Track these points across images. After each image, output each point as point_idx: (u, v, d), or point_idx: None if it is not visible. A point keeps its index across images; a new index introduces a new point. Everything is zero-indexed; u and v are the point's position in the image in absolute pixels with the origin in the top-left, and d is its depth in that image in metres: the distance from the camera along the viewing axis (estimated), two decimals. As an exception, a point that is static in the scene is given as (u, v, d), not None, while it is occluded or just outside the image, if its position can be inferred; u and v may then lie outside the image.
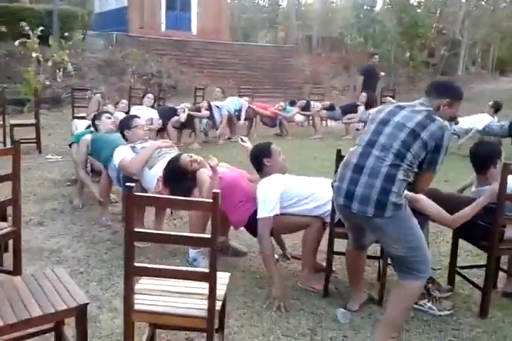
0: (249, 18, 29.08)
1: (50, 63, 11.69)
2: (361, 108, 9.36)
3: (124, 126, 3.86)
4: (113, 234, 4.09)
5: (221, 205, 3.51)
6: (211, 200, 1.91)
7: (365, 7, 19.36)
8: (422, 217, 2.94)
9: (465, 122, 8.18)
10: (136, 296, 2.05)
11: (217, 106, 8.41)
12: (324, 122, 10.26)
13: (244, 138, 3.85)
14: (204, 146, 8.20)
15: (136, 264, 1.96)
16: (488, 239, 2.93)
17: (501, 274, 3.40)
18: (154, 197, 2.12)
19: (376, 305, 3.05)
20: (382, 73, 10.85)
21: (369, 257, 3.29)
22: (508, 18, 21.40)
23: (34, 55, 11.05)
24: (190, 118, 7.80)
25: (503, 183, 2.83)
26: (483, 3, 23.28)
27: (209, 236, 1.90)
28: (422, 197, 2.99)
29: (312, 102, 9.67)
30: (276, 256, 3.67)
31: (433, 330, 2.83)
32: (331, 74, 20.39)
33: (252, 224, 3.25)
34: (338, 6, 25.18)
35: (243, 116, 8.80)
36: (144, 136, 3.86)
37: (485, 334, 2.81)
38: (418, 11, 18.88)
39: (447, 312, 2.99)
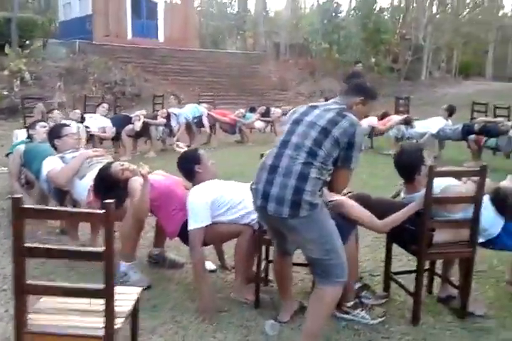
0: (217, 25, 29.07)
1: (6, 72, 11.38)
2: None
3: (54, 135, 3.73)
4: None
5: (155, 215, 3.44)
6: (103, 211, 1.80)
7: (331, 13, 19.53)
8: (351, 222, 2.90)
9: (420, 126, 8.26)
10: (31, 316, 1.93)
11: (175, 114, 8.31)
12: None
13: (180, 144, 3.76)
14: (161, 154, 8.08)
15: (27, 282, 1.85)
16: (417, 243, 2.89)
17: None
18: (44, 209, 2.01)
19: (308, 314, 2.97)
20: None
21: (303, 265, 3.23)
22: (469, 23, 21.87)
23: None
24: (145, 126, 7.67)
25: (430, 187, 2.81)
26: (446, 8, 23.75)
27: (101, 249, 1.80)
28: (349, 202, 2.94)
29: (272, 108, 9.66)
30: (214, 267, 3.59)
31: (362, 339, 2.78)
32: (298, 81, 20.49)
33: (185, 233, 3.15)
34: (305, 13, 25.34)
35: (206, 123, 8.72)
36: (74, 145, 3.73)
37: (417, 342, 2.77)
38: (382, 16, 19.09)
39: (380, 320, 2.93)
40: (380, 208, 2.97)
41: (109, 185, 3.33)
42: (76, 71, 15.41)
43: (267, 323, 2.80)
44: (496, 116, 8.91)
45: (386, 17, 20.15)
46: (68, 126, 3.92)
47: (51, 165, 3.54)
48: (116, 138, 7.39)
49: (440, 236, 2.97)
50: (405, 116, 8.60)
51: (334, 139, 2.31)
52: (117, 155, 7.44)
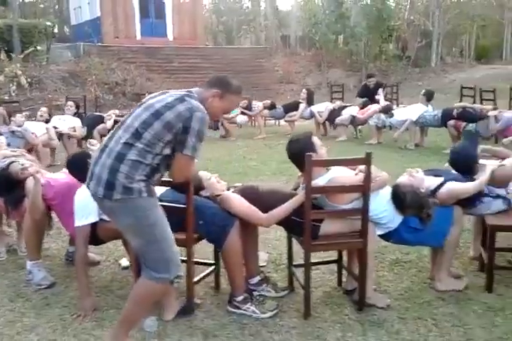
0: (226, 21, 29.02)
1: (1, 77, 11.65)
2: (302, 105, 9.24)
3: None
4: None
5: (56, 214, 3.42)
6: None
7: (335, 3, 19.20)
8: (232, 216, 2.83)
9: (400, 114, 8.03)
10: None
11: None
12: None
13: (93, 141, 3.74)
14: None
15: None
16: (303, 234, 2.80)
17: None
18: None
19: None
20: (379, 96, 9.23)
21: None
22: (480, 5, 21.15)
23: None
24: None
25: (308, 177, 2.70)
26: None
27: None
28: (231, 197, 2.87)
29: (254, 102, 9.54)
30: (127, 263, 3.56)
31: (245, 335, 2.70)
32: (304, 73, 20.27)
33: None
34: (311, 4, 25.02)
35: None
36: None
37: (299, 336, 2.68)
38: (387, 3, 18.62)
39: (270, 314, 2.85)
40: (270, 200, 2.89)
41: (10, 186, 3.34)
42: (79, 73, 15.66)
43: (146, 320, 2.75)
44: (482, 99, 8.59)
45: (392, 3, 19.63)
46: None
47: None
48: (87, 138, 7.43)
49: (329, 227, 2.86)
50: (384, 104, 8.37)
51: (166, 122, 2.21)
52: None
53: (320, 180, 2.83)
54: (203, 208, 2.81)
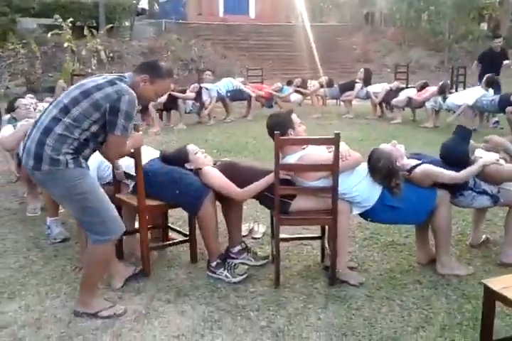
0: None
1: (84, 52, 12.50)
2: (358, 85, 9.08)
3: (9, 108, 4.23)
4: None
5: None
6: None
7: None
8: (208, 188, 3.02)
9: (457, 97, 7.67)
10: None
11: (206, 88, 8.61)
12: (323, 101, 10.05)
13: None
14: (192, 127, 8.51)
15: None
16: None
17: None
18: None
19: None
20: (507, 62, 8.24)
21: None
22: None
23: (66, 45, 11.89)
24: (174, 99, 8.09)
25: (276, 155, 2.81)
26: None
27: None
28: (209, 170, 3.05)
29: (309, 80, 9.50)
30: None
31: (214, 297, 2.90)
32: (384, 52, 19.62)
33: None
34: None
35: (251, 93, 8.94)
36: (26, 115, 4.19)
37: (262, 302, 2.84)
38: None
39: (240, 278, 3.03)
40: (247, 176, 3.04)
41: None
42: (157, 49, 16.32)
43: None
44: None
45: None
46: (21, 97, 4.39)
47: (2, 132, 4.05)
48: (144, 111, 7.89)
49: (301, 203, 2.96)
50: (440, 84, 7.98)
51: (93, 101, 2.38)
52: (148, 127, 7.99)
53: (291, 158, 2.93)
54: (179, 179, 3.01)
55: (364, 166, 3.02)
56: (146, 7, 27.24)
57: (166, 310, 2.75)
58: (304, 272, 3.22)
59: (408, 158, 3.18)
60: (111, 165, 3.16)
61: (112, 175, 3.20)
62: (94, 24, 16.05)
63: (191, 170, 3.12)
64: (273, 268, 3.18)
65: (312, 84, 9.39)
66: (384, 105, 9.15)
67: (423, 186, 3.03)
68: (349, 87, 9.26)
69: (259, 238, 3.74)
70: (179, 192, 3.02)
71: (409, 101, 8.41)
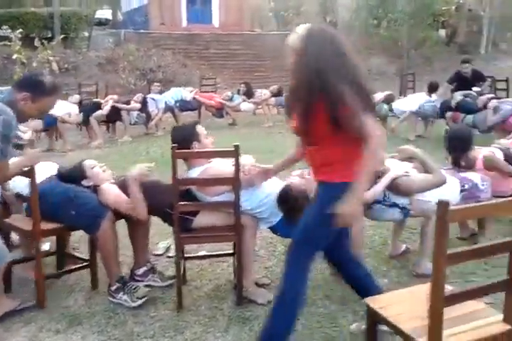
0: (274, 7, 28.74)
1: (34, 64, 12.21)
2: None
3: None
4: None
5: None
6: None
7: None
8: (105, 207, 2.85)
9: (402, 103, 7.69)
10: None
11: (153, 99, 8.45)
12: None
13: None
14: (139, 138, 8.33)
15: None
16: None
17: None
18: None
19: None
20: (476, 89, 7.33)
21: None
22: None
23: (14, 56, 11.60)
24: (117, 111, 7.90)
25: (174, 168, 2.67)
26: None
27: None
28: (108, 188, 2.90)
29: (259, 90, 9.42)
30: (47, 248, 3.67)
31: (109, 324, 2.72)
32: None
33: None
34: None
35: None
36: None
37: (160, 328, 2.67)
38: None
39: (139, 302, 2.86)
40: (152, 191, 2.89)
41: None
42: (114, 60, 16.09)
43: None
44: (496, 89, 8.04)
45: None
46: None
47: None
48: (86, 124, 7.68)
49: (203, 219, 2.83)
50: (386, 93, 8.01)
51: None
52: (90, 140, 7.78)
53: (194, 171, 2.80)
54: (75, 198, 2.84)
55: (272, 180, 2.90)
56: (111, 17, 27.13)
57: (52, 342, 2.57)
58: (213, 292, 3.08)
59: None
60: None
61: None
62: (50, 35, 15.76)
63: (89, 187, 2.95)
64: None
65: (263, 93, 9.29)
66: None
67: None
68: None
69: (173, 257, 3.58)
70: (75, 213, 2.84)
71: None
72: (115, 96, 8.14)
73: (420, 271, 3.14)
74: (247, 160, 2.75)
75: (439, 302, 1.59)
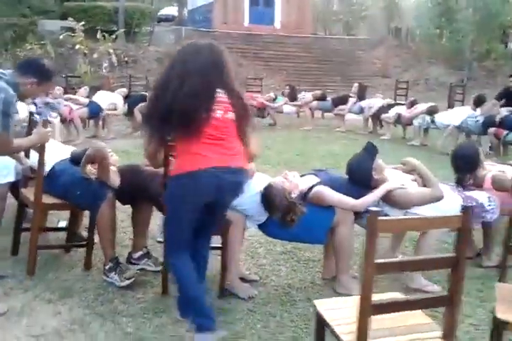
0: (339, 11, 28.55)
1: (95, 55, 12.82)
2: (351, 99, 8.99)
3: None
4: None
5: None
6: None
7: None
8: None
9: (444, 117, 7.50)
10: None
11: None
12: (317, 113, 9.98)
13: None
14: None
15: None
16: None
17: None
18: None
19: None
20: None
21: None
22: None
23: (77, 47, 12.23)
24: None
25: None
26: None
27: None
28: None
29: (303, 92, 9.46)
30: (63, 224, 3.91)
31: (96, 301, 2.88)
32: (403, 67, 19.39)
33: None
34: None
35: None
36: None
37: (141, 309, 2.82)
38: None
39: (127, 282, 3.00)
40: (142, 179, 3.08)
41: None
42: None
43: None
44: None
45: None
46: None
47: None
48: (130, 115, 8.01)
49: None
50: (430, 104, 7.83)
51: None
52: (133, 130, 8.11)
53: None
54: (81, 179, 3.05)
55: (260, 179, 2.99)
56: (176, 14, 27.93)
57: (42, 310, 2.77)
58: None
59: (306, 174, 3.13)
60: (9, 164, 3.19)
61: (11, 174, 3.25)
62: (115, 28, 16.45)
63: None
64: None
65: (306, 96, 9.33)
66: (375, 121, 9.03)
67: (323, 205, 2.97)
68: (342, 100, 9.18)
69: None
70: (79, 193, 3.05)
71: (399, 118, 8.28)
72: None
73: (413, 285, 3.11)
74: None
75: (366, 311, 1.63)
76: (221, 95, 2.33)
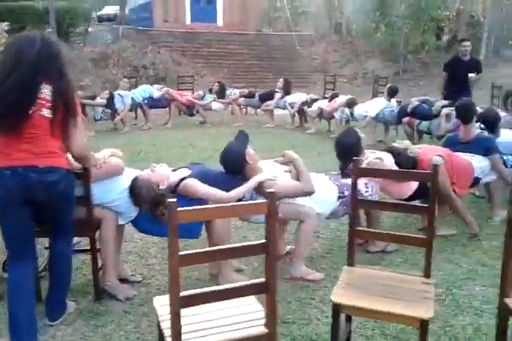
0: (281, 7, 28.64)
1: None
2: (277, 95, 9.05)
3: None
4: None
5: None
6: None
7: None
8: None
9: (362, 108, 7.65)
10: None
11: (120, 95, 8.53)
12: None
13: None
14: (105, 134, 8.42)
15: None
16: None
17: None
18: None
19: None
20: (472, 75, 6.55)
21: None
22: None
23: (0, 49, 11.76)
24: (82, 106, 7.99)
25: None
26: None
27: None
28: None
29: (230, 89, 9.46)
30: None
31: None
32: (342, 62, 19.71)
33: None
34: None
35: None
36: None
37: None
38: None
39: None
40: None
41: None
42: (108, 55, 16.25)
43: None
44: (493, 96, 8.00)
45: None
46: None
47: None
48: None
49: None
50: (348, 97, 7.98)
51: None
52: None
53: None
54: None
55: (131, 174, 2.94)
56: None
57: None
58: (83, 287, 3.12)
59: (180, 168, 3.11)
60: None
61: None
62: (48, 29, 15.97)
63: None
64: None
65: (232, 93, 9.33)
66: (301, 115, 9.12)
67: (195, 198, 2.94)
68: (269, 96, 9.22)
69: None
70: None
71: (321, 112, 8.38)
72: (79, 92, 8.23)
73: (294, 273, 3.16)
74: (103, 153, 2.79)
75: (175, 307, 1.62)
76: (44, 90, 2.26)
